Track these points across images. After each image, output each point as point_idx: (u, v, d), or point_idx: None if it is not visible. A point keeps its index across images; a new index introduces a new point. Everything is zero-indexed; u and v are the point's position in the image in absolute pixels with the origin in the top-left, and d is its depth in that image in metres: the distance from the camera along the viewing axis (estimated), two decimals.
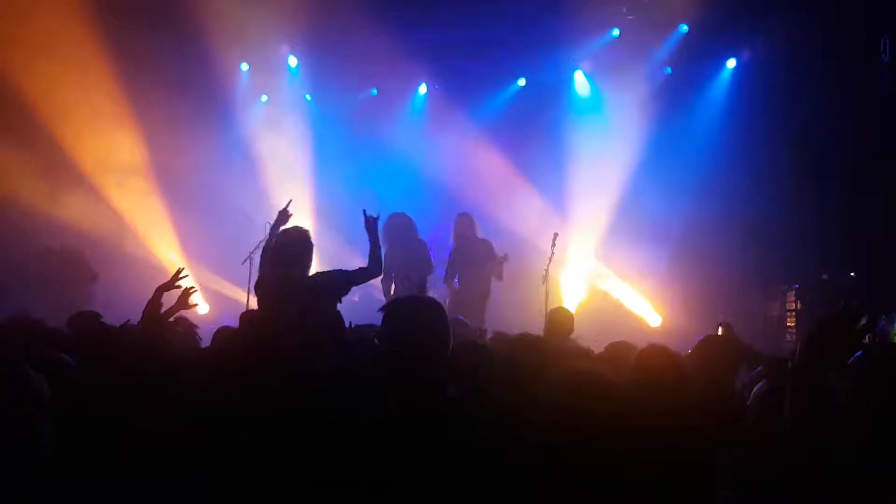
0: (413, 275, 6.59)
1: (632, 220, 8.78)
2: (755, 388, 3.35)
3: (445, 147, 9.55)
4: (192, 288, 4.04)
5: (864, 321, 2.19)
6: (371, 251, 4.57)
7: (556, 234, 7.14)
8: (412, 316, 2.16)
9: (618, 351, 3.23)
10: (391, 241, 6.87)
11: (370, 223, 4.65)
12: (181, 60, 8.79)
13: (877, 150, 7.10)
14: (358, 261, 6.79)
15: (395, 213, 7.06)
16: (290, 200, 4.85)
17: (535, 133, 9.49)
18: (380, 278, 6.97)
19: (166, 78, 8.69)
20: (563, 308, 5.21)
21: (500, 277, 7.04)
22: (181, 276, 3.98)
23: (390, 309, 2.21)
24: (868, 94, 7.27)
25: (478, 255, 7.04)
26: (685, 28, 8.67)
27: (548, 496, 1.98)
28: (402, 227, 6.95)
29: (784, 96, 7.86)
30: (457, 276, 7.15)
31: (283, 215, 4.70)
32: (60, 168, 8.06)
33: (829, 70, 7.22)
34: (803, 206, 7.67)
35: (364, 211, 4.74)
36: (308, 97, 10.05)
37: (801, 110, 7.61)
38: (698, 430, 2.50)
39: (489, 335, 4.46)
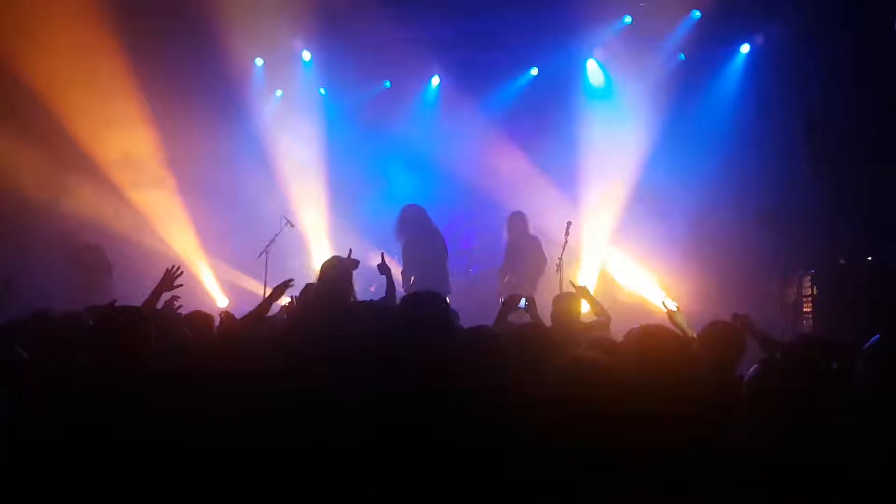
0: (432, 266, 6.80)
1: (646, 207, 8.75)
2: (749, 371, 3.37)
3: (459, 138, 9.57)
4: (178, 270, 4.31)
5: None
6: (387, 290, 4.94)
7: (569, 223, 7.17)
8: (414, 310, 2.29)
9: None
10: (410, 233, 7.02)
11: (383, 268, 5.06)
12: (196, 56, 8.89)
13: (893, 130, 7.00)
14: (369, 250, 6.92)
15: (408, 206, 7.21)
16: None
17: (548, 122, 9.46)
18: (401, 269, 7.18)
19: (182, 73, 8.81)
20: (567, 294, 5.21)
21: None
22: (177, 273, 4.23)
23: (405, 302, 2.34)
24: (883, 74, 7.17)
25: (526, 254, 7.43)
26: (698, 14, 8.59)
27: (552, 484, 2.00)
28: (418, 218, 7.08)
29: (798, 80, 7.77)
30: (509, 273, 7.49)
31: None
32: (76, 162, 8.20)
33: (843, 52, 7.12)
34: (819, 191, 7.60)
35: (382, 255, 5.13)
36: (322, 91, 10.12)
37: (815, 94, 7.52)
38: (699, 415, 2.53)
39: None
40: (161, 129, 8.82)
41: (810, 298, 7.28)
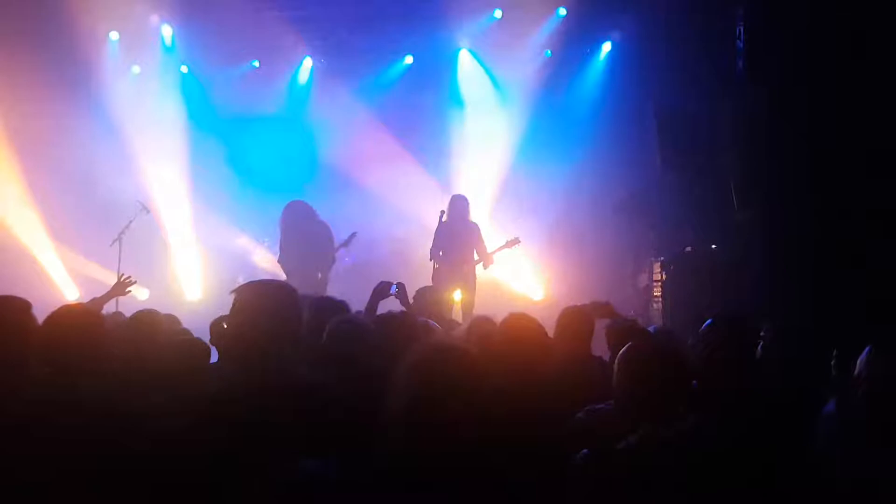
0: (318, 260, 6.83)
1: (514, 198, 9.06)
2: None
3: (331, 123, 9.42)
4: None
5: None
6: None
7: (442, 212, 7.27)
8: (257, 299, 2.23)
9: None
10: (290, 227, 6.87)
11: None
12: (43, 28, 8.17)
13: (734, 134, 7.56)
14: (236, 239, 6.67)
15: (293, 202, 7.07)
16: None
17: (422, 111, 9.54)
18: (277, 258, 7.02)
19: (26, 46, 8.06)
20: (428, 287, 5.35)
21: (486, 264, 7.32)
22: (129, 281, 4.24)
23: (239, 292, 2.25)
24: (728, 79, 7.72)
25: (459, 240, 7.20)
26: (563, 11, 8.91)
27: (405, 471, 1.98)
28: (302, 215, 6.95)
29: (652, 78, 8.25)
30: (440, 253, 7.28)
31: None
32: None
33: (692, 55, 7.61)
34: (669, 184, 8.15)
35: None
36: (184, 68, 9.60)
37: (667, 91, 8.00)
38: (557, 394, 2.66)
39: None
40: (3, 107, 8.04)
41: (660, 283, 7.81)
